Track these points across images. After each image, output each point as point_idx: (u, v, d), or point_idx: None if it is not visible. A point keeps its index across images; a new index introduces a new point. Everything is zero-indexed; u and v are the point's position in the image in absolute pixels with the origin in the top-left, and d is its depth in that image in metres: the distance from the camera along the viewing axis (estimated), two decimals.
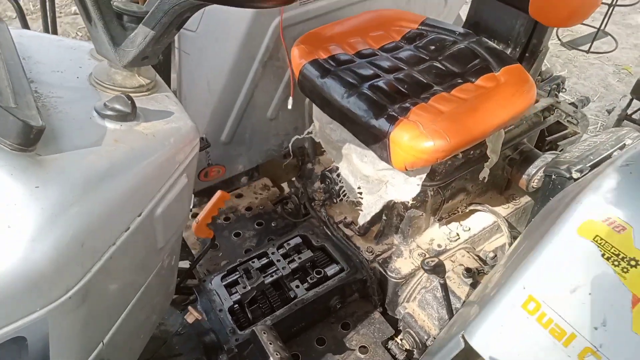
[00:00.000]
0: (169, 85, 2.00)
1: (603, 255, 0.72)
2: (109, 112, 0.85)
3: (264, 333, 1.39)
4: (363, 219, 1.61)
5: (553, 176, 1.18)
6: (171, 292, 1.21)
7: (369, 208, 1.57)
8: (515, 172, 1.80)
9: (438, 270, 1.30)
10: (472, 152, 1.62)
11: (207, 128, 2.01)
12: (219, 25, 1.82)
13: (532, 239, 0.86)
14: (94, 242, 0.74)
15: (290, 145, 1.96)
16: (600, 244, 0.73)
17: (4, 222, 0.65)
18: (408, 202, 1.55)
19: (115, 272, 0.82)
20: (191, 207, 1.84)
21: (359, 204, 1.66)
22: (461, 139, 1.26)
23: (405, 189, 1.45)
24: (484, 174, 1.65)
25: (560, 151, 1.95)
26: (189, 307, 1.40)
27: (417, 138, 1.24)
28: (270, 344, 1.36)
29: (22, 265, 0.65)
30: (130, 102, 0.86)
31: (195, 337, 1.54)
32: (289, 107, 2.05)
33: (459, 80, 1.47)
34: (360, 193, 1.60)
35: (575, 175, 1.16)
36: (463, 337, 0.86)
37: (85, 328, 0.79)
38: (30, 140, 0.70)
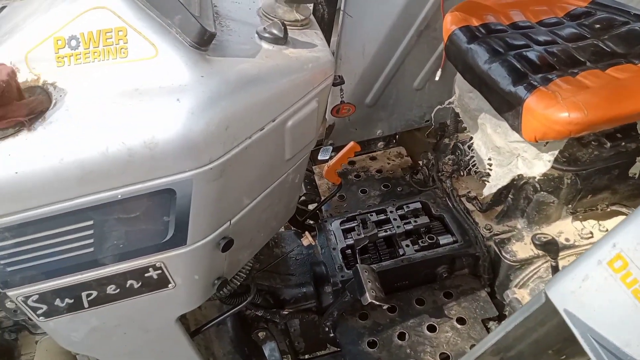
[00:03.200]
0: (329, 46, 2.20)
1: None
2: (266, 35, 1.02)
3: (365, 272, 1.50)
4: (489, 190, 1.59)
5: None
6: (292, 207, 1.38)
7: (497, 180, 1.55)
8: None
9: (549, 248, 1.25)
10: (623, 143, 1.49)
11: (354, 88, 2.16)
12: None
13: None
14: (236, 129, 0.92)
15: (432, 115, 2.01)
16: None
17: (175, 96, 0.86)
18: (536, 180, 1.49)
19: (248, 163, 1.00)
20: (328, 157, 2.01)
21: (487, 176, 1.64)
22: (600, 115, 1.18)
23: (535, 164, 1.40)
24: (635, 169, 1.50)
25: None
26: (306, 232, 1.57)
27: (552, 107, 1.20)
28: (369, 282, 1.47)
29: (182, 131, 0.85)
30: (283, 28, 1.02)
31: (308, 264, 1.72)
32: (437, 78, 2.09)
33: (620, 60, 1.36)
34: (490, 165, 1.59)
35: None
36: (545, 292, 0.86)
37: (219, 200, 0.98)
38: (204, 41, 0.90)
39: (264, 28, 1.03)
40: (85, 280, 1.00)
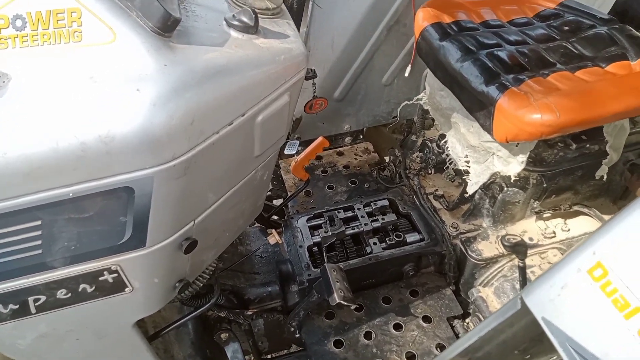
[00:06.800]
0: None
1: None
2: (235, 22, 0.96)
3: (334, 271, 1.47)
4: (472, 188, 1.57)
5: None
6: (259, 206, 1.33)
7: (477, 177, 1.54)
8: (635, 179, 1.64)
9: (518, 249, 1.25)
10: (588, 145, 1.51)
11: (323, 82, 2.11)
12: None
13: None
14: (202, 124, 0.85)
15: (399, 110, 1.98)
16: None
17: (135, 86, 0.79)
18: (510, 179, 1.49)
19: (214, 160, 0.93)
20: (295, 152, 1.95)
21: (459, 175, 1.63)
22: (572, 118, 1.18)
23: (511, 162, 1.40)
24: (602, 172, 1.53)
25: None
26: (272, 231, 1.52)
27: (525, 109, 1.19)
28: (337, 281, 1.44)
29: (142, 124, 0.78)
30: (254, 16, 0.96)
31: (273, 262, 1.67)
32: (406, 74, 2.07)
33: (588, 63, 1.37)
34: (468, 162, 1.57)
35: None
36: (521, 298, 0.85)
37: (182, 199, 0.92)
38: (168, 26, 0.83)
39: (233, 15, 0.97)
40: (32, 285, 0.91)
